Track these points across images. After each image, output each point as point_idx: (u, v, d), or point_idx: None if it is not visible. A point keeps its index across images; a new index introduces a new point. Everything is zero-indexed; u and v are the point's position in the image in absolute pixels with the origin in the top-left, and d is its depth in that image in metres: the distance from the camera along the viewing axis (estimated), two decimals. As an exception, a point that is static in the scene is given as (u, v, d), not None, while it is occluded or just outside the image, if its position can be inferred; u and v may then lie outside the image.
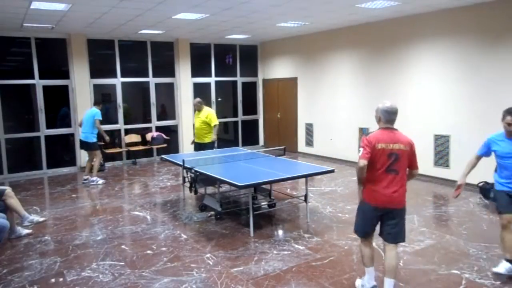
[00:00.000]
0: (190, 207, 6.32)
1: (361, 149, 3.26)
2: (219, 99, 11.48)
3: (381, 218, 3.37)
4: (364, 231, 3.46)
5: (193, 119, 8.89)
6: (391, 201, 3.28)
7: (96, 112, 7.76)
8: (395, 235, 3.35)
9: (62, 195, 7.18)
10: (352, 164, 8.70)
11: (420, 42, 7.60)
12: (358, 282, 3.66)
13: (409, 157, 3.33)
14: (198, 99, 7.48)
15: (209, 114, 7.35)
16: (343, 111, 9.42)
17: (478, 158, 4.20)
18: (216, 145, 7.48)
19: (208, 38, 10.48)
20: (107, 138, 7.96)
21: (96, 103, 8.04)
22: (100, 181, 7.91)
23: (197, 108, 7.46)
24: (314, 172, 5.74)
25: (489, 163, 6.60)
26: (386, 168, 3.26)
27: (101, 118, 7.78)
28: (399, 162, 3.27)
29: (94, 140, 7.81)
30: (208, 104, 11.07)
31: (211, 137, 7.39)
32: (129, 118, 10.06)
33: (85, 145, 7.86)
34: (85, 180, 7.93)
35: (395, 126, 3.38)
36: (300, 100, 10.73)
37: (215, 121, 7.34)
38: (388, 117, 3.35)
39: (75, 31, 8.75)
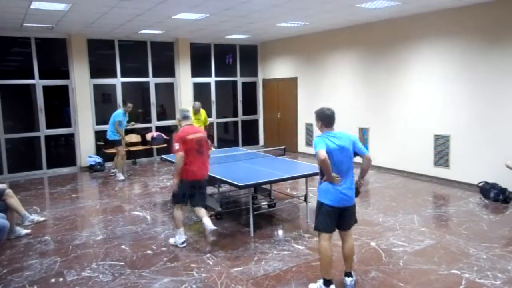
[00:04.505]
0: (190, 207, 6.31)
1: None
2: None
3: None
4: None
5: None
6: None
7: (116, 113, 8.30)
8: None
9: (62, 195, 7.18)
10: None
11: (420, 42, 7.60)
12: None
13: None
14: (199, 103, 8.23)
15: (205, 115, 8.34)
16: (343, 111, 9.38)
17: None
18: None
19: (208, 38, 10.48)
20: (125, 139, 8.56)
21: (123, 104, 8.71)
22: (121, 177, 8.31)
23: (197, 111, 8.07)
24: (314, 172, 5.71)
25: (489, 163, 6.62)
26: None
27: (120, 119, 8.21)
28: None
29: (114, 137, 8.34)
30: (208, 103, 11.10)
31: None
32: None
33: (108, 142, 8.66)
34: (112, 172, 8.71)
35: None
36: (300, 100, 10.73)
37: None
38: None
39: (75, 31, 8.75)
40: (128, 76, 9.94)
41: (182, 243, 4.69)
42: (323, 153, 3.34)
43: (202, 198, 4.78)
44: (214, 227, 4.56)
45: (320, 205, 3.52)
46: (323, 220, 3.50)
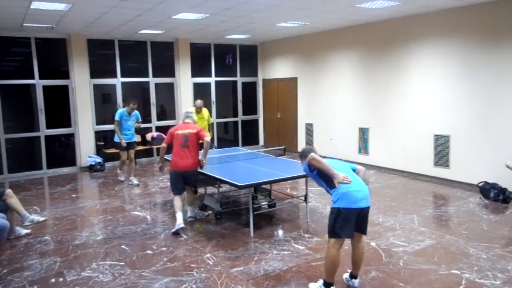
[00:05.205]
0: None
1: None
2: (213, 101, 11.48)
3: None
4: None
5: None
6: None
7: (117, 113, 7.71)
8: None
9: (62, 195, 7.19)
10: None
11: (420, 42, 7.60)
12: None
13: None
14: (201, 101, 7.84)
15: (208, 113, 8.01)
16: (343, 111, 9.42)
17: None
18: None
19: (208, 38, 10.48)
20: (123, 141, 7.71)
21: (125, 103, 8.17)
22: (122, 177, 8.17)
23: (199, 110, 7.74)
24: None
25: (489, 163, 6.62)
26: None
27: (117, 119, 7.64)
28: None
29: (115, 140, 7.86)
30: (208, 104, 11.09)
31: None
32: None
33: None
34: (129, 181, 7.97)
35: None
36: (300, 100, 10.73)
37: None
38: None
39: (75, 31, 8.75)
40: (128, 76, 9.94)
41: (179, 225, 5.02)
42: (313, 154, 3.47)
43: (191, 183, 5.46)
44: (181, 225, 5.03)
45: (337, 211, 3.38)
46: (343, 225, 3.36)
